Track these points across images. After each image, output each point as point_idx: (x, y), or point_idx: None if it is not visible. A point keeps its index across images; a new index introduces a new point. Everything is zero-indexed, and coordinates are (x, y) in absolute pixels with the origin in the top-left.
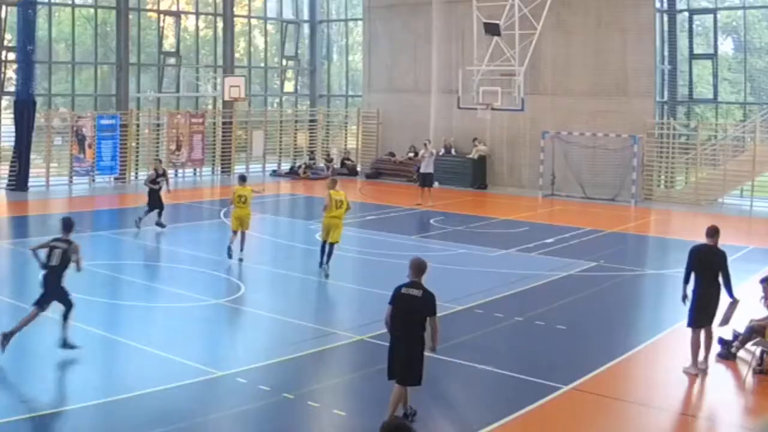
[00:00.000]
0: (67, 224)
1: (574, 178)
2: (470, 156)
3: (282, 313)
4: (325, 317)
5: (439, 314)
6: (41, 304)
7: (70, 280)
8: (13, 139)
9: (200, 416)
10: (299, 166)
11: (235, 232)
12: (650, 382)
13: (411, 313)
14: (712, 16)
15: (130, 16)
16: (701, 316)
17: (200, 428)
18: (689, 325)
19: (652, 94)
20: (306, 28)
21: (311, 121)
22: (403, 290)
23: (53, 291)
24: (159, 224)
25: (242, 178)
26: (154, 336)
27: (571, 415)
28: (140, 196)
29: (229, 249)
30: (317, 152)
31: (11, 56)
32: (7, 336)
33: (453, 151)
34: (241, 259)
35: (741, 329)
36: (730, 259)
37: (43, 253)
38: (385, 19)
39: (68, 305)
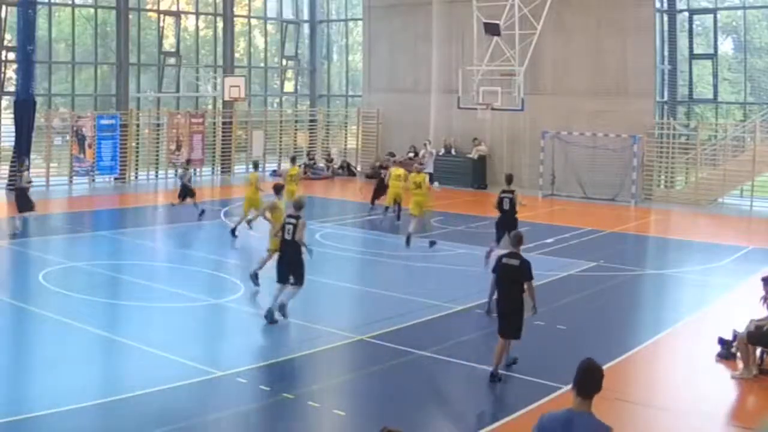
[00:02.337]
0: None
1: (574, 178)
2: (470, 156)
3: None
4: (325, 317)
5: (439, 314)
6: None
7: (69, 279)
8: (13, 139)
9: (200, 416)
10: (299, 166)
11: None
12: (650, 382)
13: (511, 280)
14: (712, 16)
15: (130, 16)
16: None
17: (200, 428)
18: None
19: (652, 94)
20: (306, 28)
21: (311, 121)
22: (504, 260)
23: None
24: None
25: (293, 159)
26: (154, 336)
27: None
28: (140, 195)
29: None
30: (317, 152)
31: (11, 56)
32: None
33: (453, 151)
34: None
35: (741, 329)
36: (730, 259)
37: None
38: (385, 19)
39: None
